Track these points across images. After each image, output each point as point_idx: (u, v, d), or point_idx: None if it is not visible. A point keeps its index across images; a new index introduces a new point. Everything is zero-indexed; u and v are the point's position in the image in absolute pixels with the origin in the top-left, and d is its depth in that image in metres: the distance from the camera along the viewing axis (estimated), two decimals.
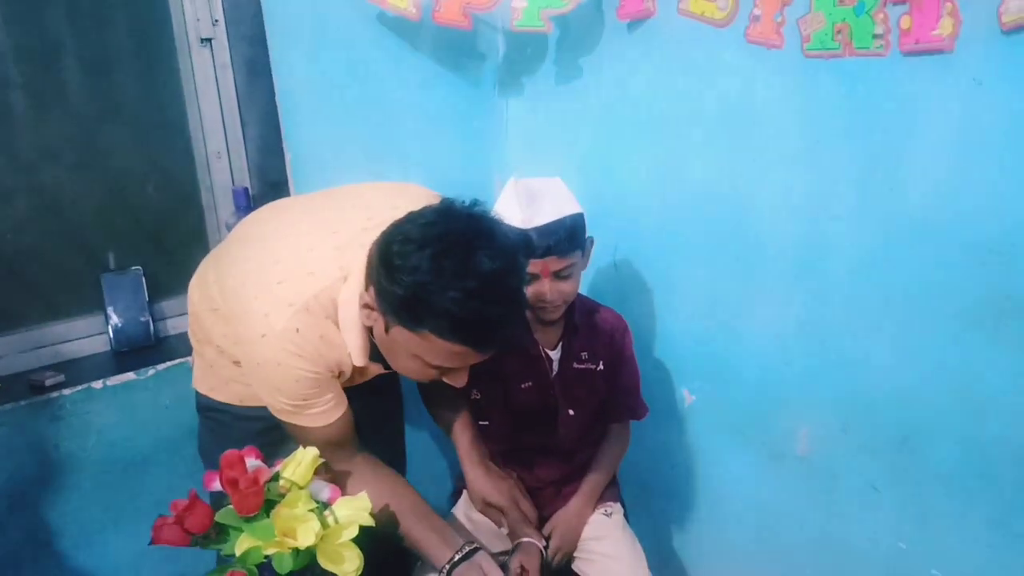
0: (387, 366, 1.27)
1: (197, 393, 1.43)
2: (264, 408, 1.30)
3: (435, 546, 1.30)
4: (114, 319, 1.68)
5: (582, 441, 1.57)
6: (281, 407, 1.23)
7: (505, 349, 1.17)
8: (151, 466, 1.59)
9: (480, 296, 1.06)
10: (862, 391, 1.49)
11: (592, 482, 1.55)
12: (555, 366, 1.52)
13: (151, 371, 1.58)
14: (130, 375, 1.55)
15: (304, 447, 1.18)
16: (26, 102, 1.59)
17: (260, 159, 1.85)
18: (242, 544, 1.07)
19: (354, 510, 1.15)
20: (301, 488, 1.15)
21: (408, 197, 1.27)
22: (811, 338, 1.54)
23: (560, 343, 1.51)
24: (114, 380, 1.53)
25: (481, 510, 1.52)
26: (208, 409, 1.41)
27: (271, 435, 1.30)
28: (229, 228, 1.86)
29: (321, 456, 1.18)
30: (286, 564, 1.07)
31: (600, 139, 1.79)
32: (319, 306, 1.18)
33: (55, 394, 1.47)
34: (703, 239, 1.65)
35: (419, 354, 1.14)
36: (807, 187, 1.47)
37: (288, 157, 1.70)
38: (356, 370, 1.27)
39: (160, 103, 1.76)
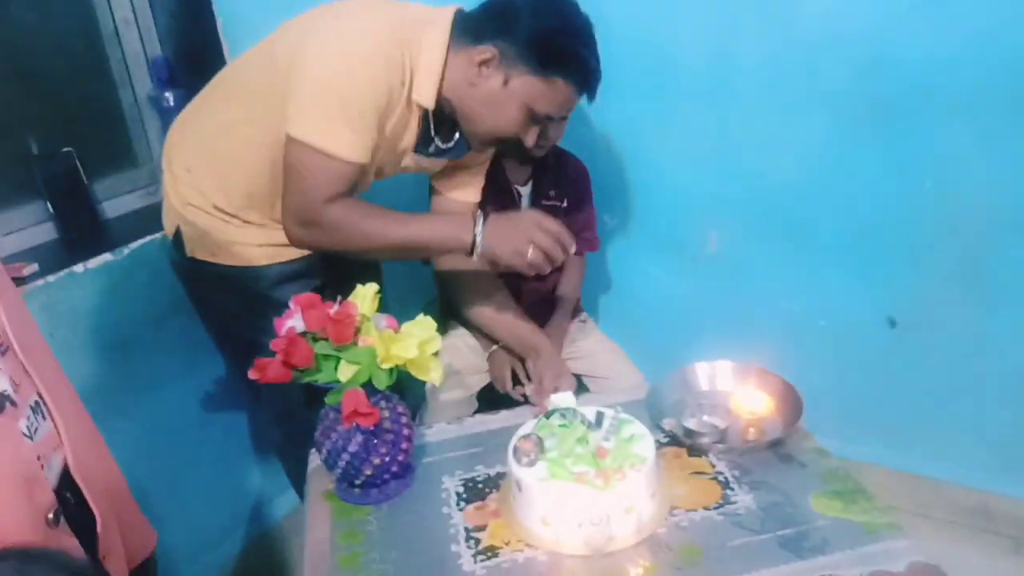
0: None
1: (196, 261, 1.44)
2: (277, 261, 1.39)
3: (452, 229, 1.36)
4: (54, 205, 1.59)
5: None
6: (316, 122, 1.22)
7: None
8: (139, 344, 1.58)
9: (594, 48, 1.29)
10: (761, 194, 1.85)
11: (565, 302, 1.78)
12: (524, 201, 1.70)
13: (125, 251, 1.54)
14: (107, 256, 1.50)
15: (307, 195, 1.26)
16: None
17: (173, 24, 1.76)
18: (345, 370, 1.19)
19: (423, 329, 1.29)
20: (368, 319, 1.27)
21: None
22: (718, 155, 1.86)
23: (530, 180, 1.69)
24: (93, 263, 1.48)
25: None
26: (222, 277, 1.43)
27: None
28: (152, 101, 1.78)
29: (325, 196, 1.27)
30: (384, 380, 1.21)
31: None
32: (405, 40, 1.24)
33: (39, 282, 1.40)
34: (618, 75, 1.86)
35: (532, 103, 1.28)
36: (713, 15, 1.72)
37: (219, 22, 1.66)
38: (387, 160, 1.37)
39: None
